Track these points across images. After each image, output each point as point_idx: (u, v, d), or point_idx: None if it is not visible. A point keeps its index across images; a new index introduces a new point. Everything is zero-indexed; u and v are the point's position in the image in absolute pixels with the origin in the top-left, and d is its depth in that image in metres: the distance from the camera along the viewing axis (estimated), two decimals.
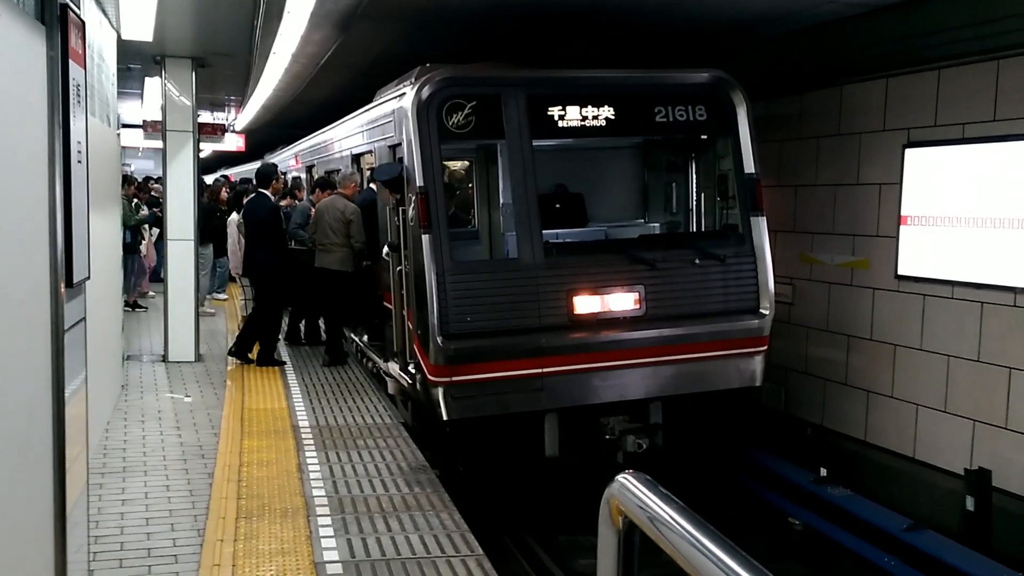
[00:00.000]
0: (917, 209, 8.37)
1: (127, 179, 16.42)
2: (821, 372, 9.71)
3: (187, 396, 9.61)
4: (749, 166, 8.49)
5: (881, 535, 8.05)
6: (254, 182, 12.55)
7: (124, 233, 14.04)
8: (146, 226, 15.61)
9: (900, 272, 8.56)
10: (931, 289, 8.26)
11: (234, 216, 12.62)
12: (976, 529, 7.61)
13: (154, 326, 13.37)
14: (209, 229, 14.06)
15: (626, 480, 1.90)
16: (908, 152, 8.43)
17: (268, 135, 24.43)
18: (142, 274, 15.92)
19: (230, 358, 11.46)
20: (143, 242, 15.51)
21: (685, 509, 1.73)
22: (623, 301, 7.99)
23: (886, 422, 8.85)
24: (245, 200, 12.03)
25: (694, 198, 9.43)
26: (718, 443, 9.37)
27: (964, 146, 7.88)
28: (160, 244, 11.86)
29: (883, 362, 8.85)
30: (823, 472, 9.05)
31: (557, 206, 9.52)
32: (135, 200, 15.61)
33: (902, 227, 8.52)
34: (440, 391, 7.50)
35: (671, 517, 1.72)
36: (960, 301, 7.97)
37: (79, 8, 4.23)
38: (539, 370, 7.63)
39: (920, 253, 8.35)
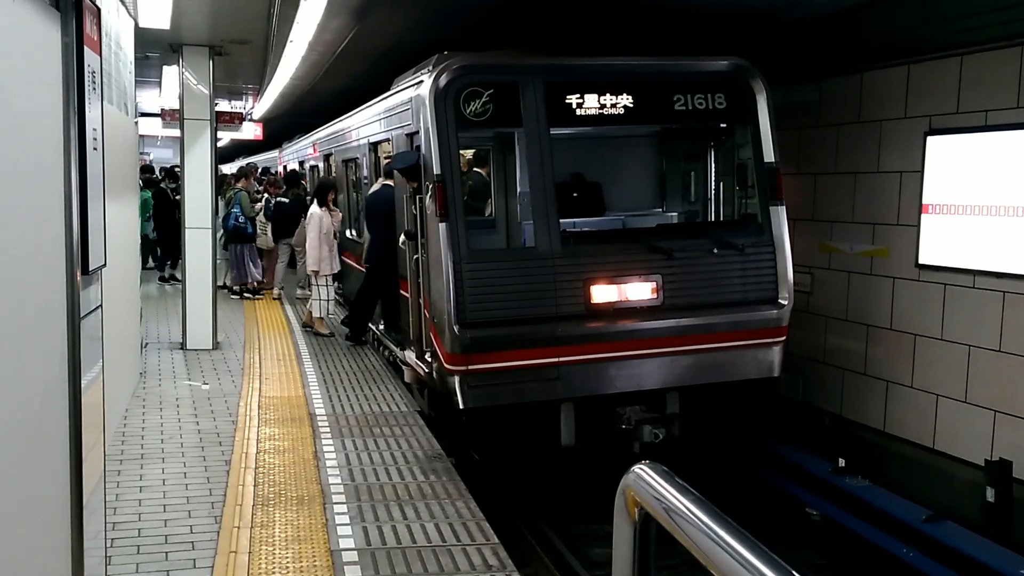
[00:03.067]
0: (938, 197, 8.28)
1: (245, 170, 16.90)
2: (840, 362, 9.65)
3: (204, 384, 9.64)
4: (769, 155, 8.41)
5: (900, 526, 8.00)
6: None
7: (246, 224, 15.13)
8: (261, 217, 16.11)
9: (921, 261, 8.48)
10: (952, 278, 8.18)
11: (316, 209, 12.30)
12: (996, 520, 7.55)
13: (172, 314, 13.43)
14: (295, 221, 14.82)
15: (642, 471, 1.87)
16: (930, 140, 8.33)
17: (286, 124, 24.48)
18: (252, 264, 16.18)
19: (245, 346, 11.51)
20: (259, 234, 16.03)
21: (702, 500, 1.70)
22: (640, 290, 7.95)
23: (906, 412, 8.79)
24: (370, 192, 12.03)
25: (712, 187, 9.37)
26: (736, 433, 9.33)
27: (987, 133, 7.78)
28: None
29: (903, 352, 8.77)
30: (841, 462, 9.00)
31: (574, 195, 9.47)
32: (260, 192, 16.06)
33: (923, 215, 8.43)
34: (456, 379, 7.49)
35: (688, 508, 1.69)
36: (981, 290, 7.89)
37: None
38: (555, 359, 7.61)
39: (941, 242, 8.26)
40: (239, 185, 16.08)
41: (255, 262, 16.00)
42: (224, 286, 16.06)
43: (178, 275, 17.09)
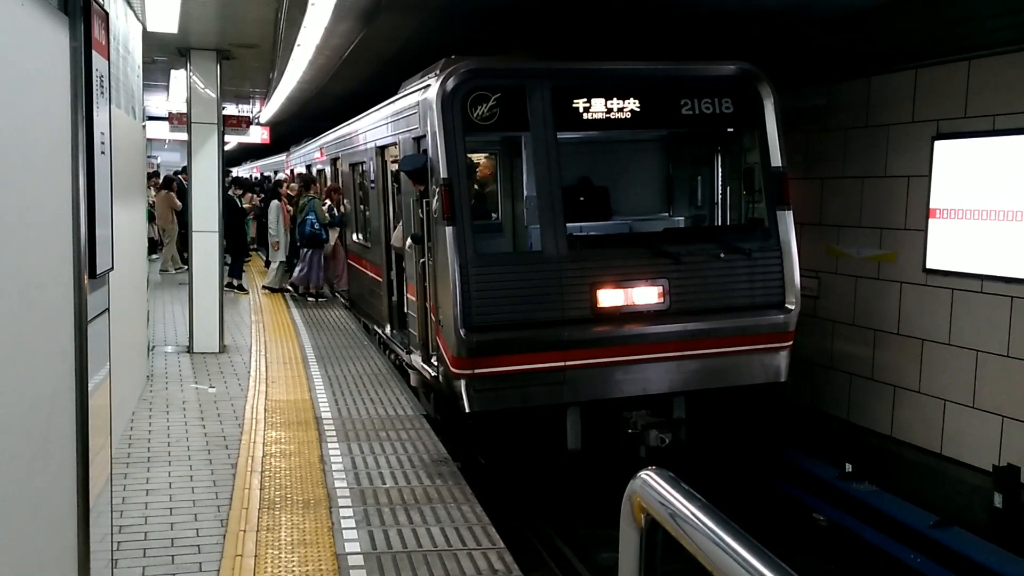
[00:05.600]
0: (946, 202, 8.26)
1: (311, 179, 17.01)
2: (847, 367, 9.62)
3: (211, 387, 9.66)
4: (776, 159, 8.40)
5: (907, 532, 7.97)
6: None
7: (320, 230, 15.68)
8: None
9: (928, 266, 8.46)
10: (960, 283, 8.16)
11: None
12: (1004, 526, 7.52)
13: (179, 317, 13.46)
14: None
15: (648, 477, 1.86)
16: (937, 144, 8.32)
17: (293, 127, 24.52)
18: (323, 269, 16.53)
19: (252, 350, 11.53)
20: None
21: (708, 506, 1.70)
22: (647, 295, 7.94)
23: (913, 417, 8.76)
24: None
25: (719, 191, 9.36)
26: (742, 438, 9.31)
27: (995, 138, 7.76)
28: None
29: (910, 357, 8.75)
30: (848, 468, 8.97)
31: (581, 199, 9.47)
32: (327, 202, 16.36)
33: (931, 220, 8.41)
34: (462, 383, 7.49)
35: (693, 514, 1.68)
36: (989, 295, 7.86)
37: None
38: (562, 363, 7.60)
39: (949, 247, 8.24)
40: (311, 193, 16.35)
41: (325, 267, 16.39)
42: (293, 289, 16.59)
43: (245, 284, 17.20)
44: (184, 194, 18.66)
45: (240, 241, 17.44)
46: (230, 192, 18.38)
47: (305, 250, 16.11)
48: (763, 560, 1.49)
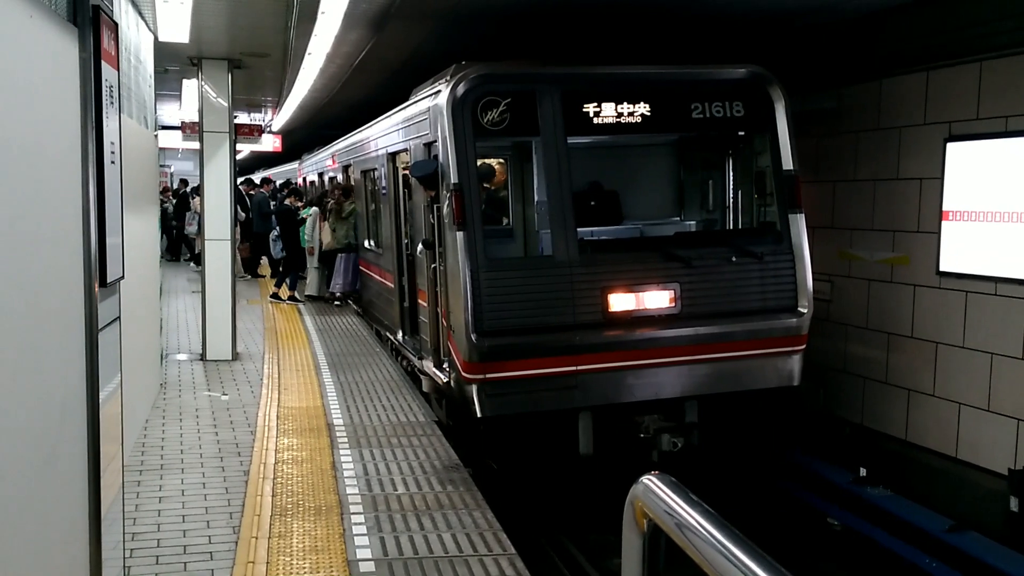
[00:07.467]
0: (959, 204, 8.22)
1: (351, 187, 17.10)
2: (861, 370, 9.57)
3: (224, 394, 9.69)
4: (787, 163, 8.37)
5: (922, 536, 7.93)
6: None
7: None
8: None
9: (942, 268, 8.42)
10: (974, 286, 8.11)
11: None
12: (1020, 530, 7.46)
13: (192, 325, 13.51)
14: None
15: (651, 482, 1.86)
16: (949, 146, 8.28)
17: (304, 136, 24.62)
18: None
19: (265, 357, 11.58)
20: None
21: (711, 513, 1.69)
22: (658, 299, 7.93)
23: (927, 421, 8.71)
24: None
25: (731, 195, 9.33)
26: (755, 443, 9.27)
27: (1007, 139, 7.72)
28: None
29: (924, 360, 8.70)
30: (863, 472, 8.93)
31: (592, 203, 9.47)
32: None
33: (944, 222, 8.37)
34: (474, 388, 7.49)
35: (696, 521, 1.68)
36: (1004, 298, 7.81)
37: (113, 10, 4.26)
38: (573, 368, 7.60)
39: (962, 249, 8.19)
40: (352, 200, 16.27)
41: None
42: (332, 296, 16.69)
43: (297, 295, 17.20)
44: (242, 202, 18.79)
45: (297, 252, 17.33)
46: (287, 202, 18.34)
47: (346, 256, 16.07)
48: (762, 564, 1.49)
